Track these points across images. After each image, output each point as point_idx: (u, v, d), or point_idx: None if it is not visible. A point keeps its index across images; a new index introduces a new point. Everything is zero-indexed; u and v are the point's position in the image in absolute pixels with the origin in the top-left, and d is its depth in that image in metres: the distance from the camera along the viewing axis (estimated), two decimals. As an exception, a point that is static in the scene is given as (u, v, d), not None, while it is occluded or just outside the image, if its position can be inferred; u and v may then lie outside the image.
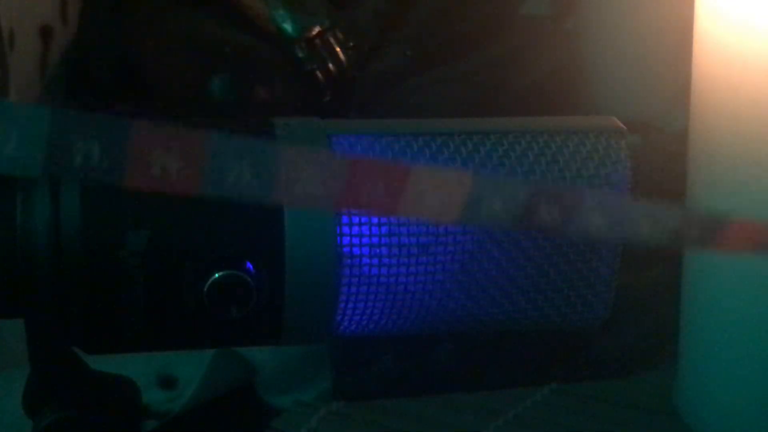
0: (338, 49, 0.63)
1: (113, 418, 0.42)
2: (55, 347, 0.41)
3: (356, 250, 0.40)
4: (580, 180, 0.42)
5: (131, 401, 0.43)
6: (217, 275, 0.39)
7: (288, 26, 0.63)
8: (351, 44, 0.63)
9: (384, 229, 0.40)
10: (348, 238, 0.40)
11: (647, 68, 0.74)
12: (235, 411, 0.64)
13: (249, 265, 0.39)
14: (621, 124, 0.44)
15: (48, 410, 0.41)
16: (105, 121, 0.26)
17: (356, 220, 0.40)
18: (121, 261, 0.38)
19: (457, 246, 0.41)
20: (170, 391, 0.63)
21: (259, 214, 0.39)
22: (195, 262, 0.39)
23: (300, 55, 0.63)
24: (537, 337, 0.59)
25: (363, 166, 0.28)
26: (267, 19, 0.64)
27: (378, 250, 0.40)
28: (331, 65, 0.63)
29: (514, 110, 0.63)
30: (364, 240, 0.40)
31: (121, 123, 0.26)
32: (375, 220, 0.40)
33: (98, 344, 0.41)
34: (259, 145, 0.27)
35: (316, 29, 0.63)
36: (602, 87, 0.74)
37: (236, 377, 0.65)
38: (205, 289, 0.39)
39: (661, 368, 0.61)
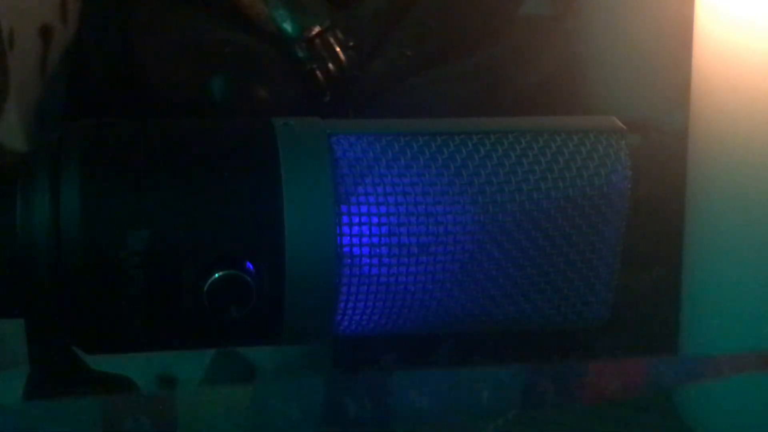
0: (338, 49, 0.63)
1: (113, 418, 0.42)
2: (55, 347, 0.41)
3: (356, 250, 0.40)
4: (580, 180, 0.42)
5: (131, 401, 0.43)
6: (217, 275, 0.39)
7: (288, 26, 0.63)
8: (351, 44, 0.63)
9: (384, 229, 0.40)
10: (348, 238, 0.40)
11: (647, 68, 0.74)
12: (235, 411, 0.64)
13: (249, 265, 0.39)
14: (621, 124, 0.44)
15: (48, 410, 0.41)
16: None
17: (356, 220, 0.40)
18: (121, 261, 0.38)
19: (457, 246, 0.41)
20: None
21: (260, 214, 0.39)
22: (195, 262, 0.39)
23: (300, 55, 0.63)
24: (537, 337, 0.59)
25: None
26: (267, 19, 0.64)
27: (378, 250, 0.40)
28: (331, 65, 0.63)
29: (515, 110, 0.63)
30: (364, 240, 0.40)
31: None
32: (375, 220, 0.40)
33: (98, 344, 0.41)
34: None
35: (316, 29, 0.63)
36: (602, 87, 0.74)
37: (236, 377, 0.65)
38: (205, 289, 0.39)
39: (661, 368, 0.61)
